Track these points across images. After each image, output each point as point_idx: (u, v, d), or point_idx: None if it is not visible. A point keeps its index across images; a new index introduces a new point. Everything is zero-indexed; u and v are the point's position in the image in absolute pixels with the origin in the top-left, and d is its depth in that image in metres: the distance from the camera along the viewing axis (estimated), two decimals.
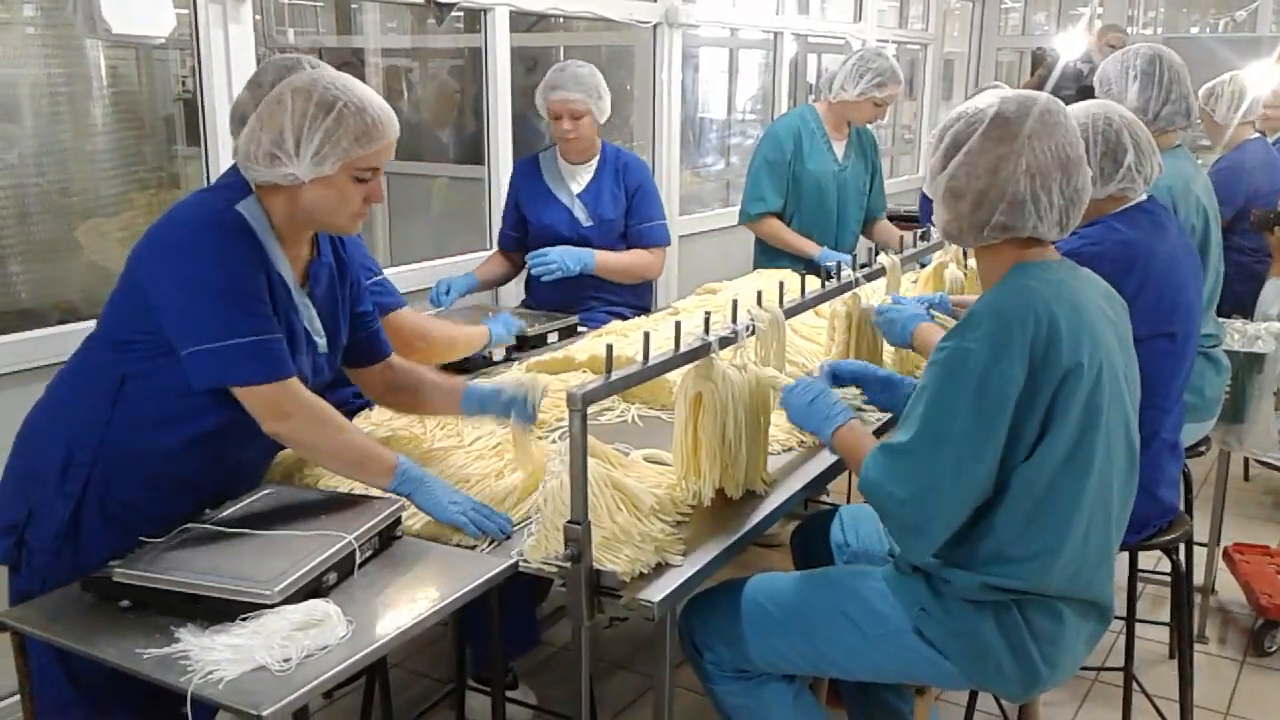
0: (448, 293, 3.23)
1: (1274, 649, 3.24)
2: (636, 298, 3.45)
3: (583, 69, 3.28)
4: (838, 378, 2.16)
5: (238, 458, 1.93)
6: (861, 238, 4.09)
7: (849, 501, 3.68)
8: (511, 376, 2.20)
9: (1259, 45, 6.34)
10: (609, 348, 1.79)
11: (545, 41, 5.83)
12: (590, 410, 2.52)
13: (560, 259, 3.23)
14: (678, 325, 1.93)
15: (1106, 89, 2.92)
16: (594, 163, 3.42)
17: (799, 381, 2.03)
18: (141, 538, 1.74)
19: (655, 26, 4.67)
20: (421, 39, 6.24)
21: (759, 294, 2.21)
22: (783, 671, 1.94)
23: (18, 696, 2.54)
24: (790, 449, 2.28)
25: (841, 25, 6.36)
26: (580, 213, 3.38)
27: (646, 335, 1.87)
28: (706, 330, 2.00)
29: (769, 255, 3.84)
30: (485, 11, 3.86)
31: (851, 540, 2.25)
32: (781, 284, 2.30)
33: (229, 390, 1.79)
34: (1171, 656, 3.22)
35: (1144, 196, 2.29)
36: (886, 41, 6.49)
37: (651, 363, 1.87)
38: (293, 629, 1.51)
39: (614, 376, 1.78)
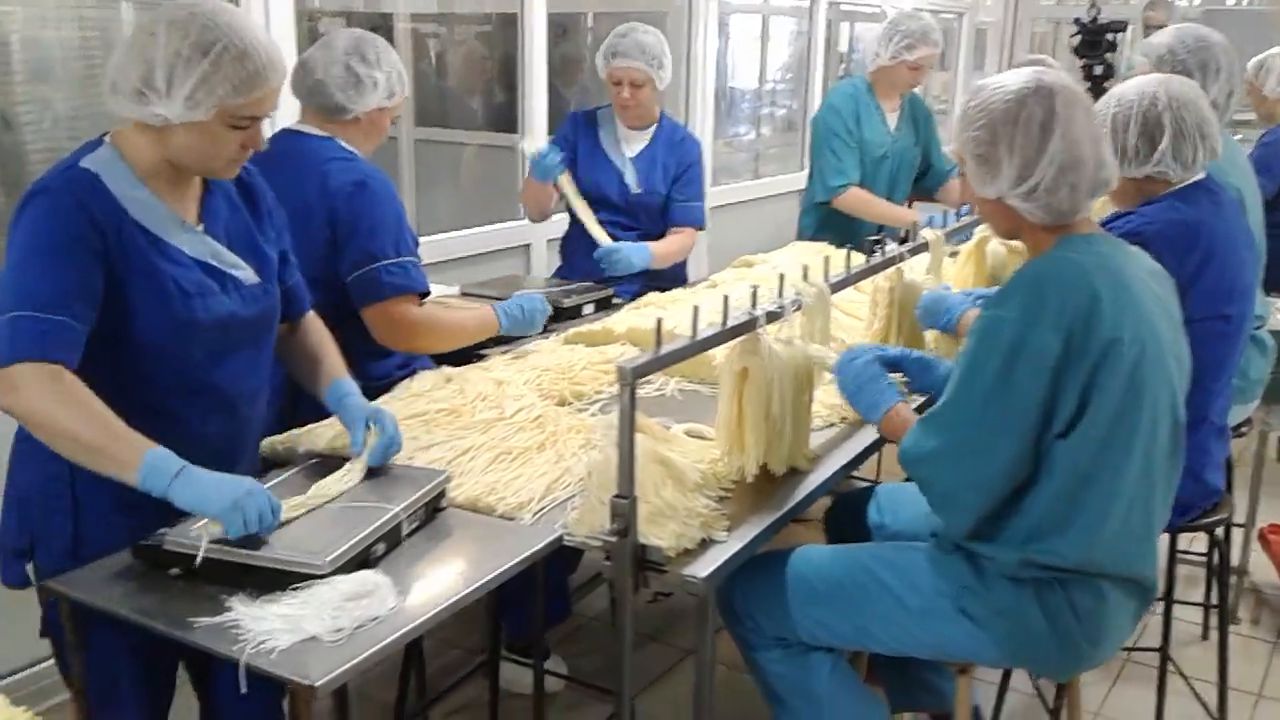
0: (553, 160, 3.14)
1: None
2: (672, 269, 3.43)
3: (647, 35, 3.20)
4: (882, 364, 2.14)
5: (201, 435, 1.77)
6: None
7: (878, 479, 3.69)
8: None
9: None
10: (659, 321, 1.77)
11: (574, 7, 5.77)
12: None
13: (628, 259, 3.16)
14: (725, 300, 1.91)
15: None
16: (650, 130, 3.38)
17: (855, 355, 2.02)
18: None
19: None
20: (449, 3, 6.20)
21: (804, 269, 2.18)
22: (824, 644, 1.94)
23: (36, 667, 2.63)
24: (831, 424, 2.27)
25: None
26: (631, 178, 3.34)
27: (695, 310, 1.85)
28: (753, 305, 1.98)
29: (817, 228, 3.81)
30: None
31: (889, 521, 2.24)
32: (827, 259, 2.27)
33: (140, 367, 1.70)
34: (1204, 637, 3.21)
35: (1201, 175, 2.25)
36: (922, 9, 6.40)
37: (700, 337, 1.85)
38: (343, 599, 1.51)
39: (663, 351, 1.77)
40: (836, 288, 2.26)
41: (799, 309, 2.10)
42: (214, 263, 1.80)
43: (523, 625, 2.73)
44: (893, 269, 2.51)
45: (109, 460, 1.59)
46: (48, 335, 1.61)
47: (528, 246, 4.16)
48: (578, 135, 3.41)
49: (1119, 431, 1.70)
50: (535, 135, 3.88)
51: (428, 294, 2.43)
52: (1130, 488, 1.73)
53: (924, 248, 2.65)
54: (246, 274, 1.84)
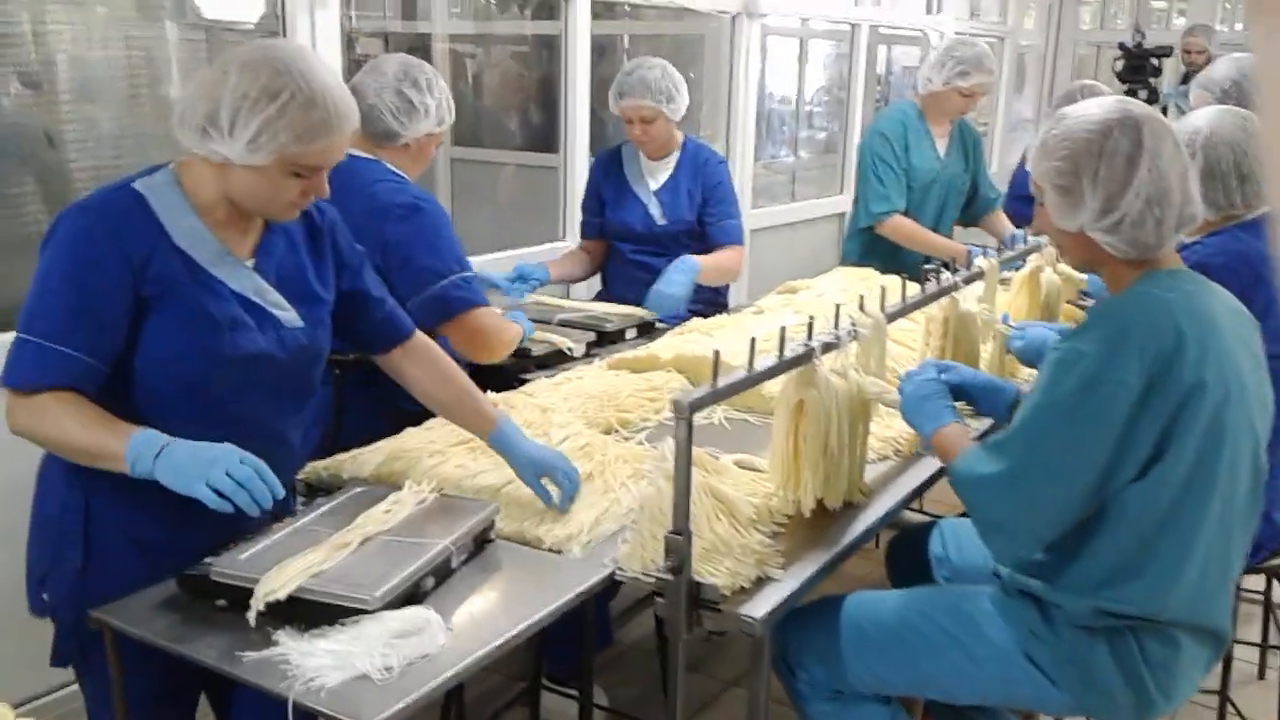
0: (523, 280, 3.09)
1: None
2: (714, 294, 3.39)
3: (651, 71, 3.15)
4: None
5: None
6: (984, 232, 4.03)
7: (921, 508, 3.61)
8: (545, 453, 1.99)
9: None
10: (716, 354, 1.73)
11: (611, 30, 5.76)
12: None
13: (680, 294, 3.08)
14: (782, 331, 1.86)
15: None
16: (673, 158, 3.34)
17: (919, 372, 1.98)
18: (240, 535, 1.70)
19: (735, 17, 4.58)
20: (487, 25, 6.22)
21: (860, 298, 2.13)
22: (881, 693, 1.88)
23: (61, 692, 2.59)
24: (885, 458, 2.21)
25: (918, 16, 6.24)
26: (656, 210, 3.31)
27: (753, 342, 1.81)
28: (809, 336, 1.93)
29: (861, 254, 3.76)
30: None
31: (953, 555, 2.17)
32: (883, 289, 2.22)
33: (154, 394, 1.67)
34: (1261, 676, 3.12)
35: (1264, 209, 2.18)
36: (965, 34, 6.35)
37: (757, 370, 1.81)
38: (393, 636, 1.48)
39: (720, 384, 1.72)
40: (892, 317, 2.21)
41: (855, 339, 2.06)
42: (256, 299, 1.76)
43: (567, 657, 2.68)
44: (946, 298, 2.46)
45: (106, 457, 1.60)
46: (48, 366, 1.61)
47: None
48: (602, 177, 3.40)
49: (1198, 477, 1.64)
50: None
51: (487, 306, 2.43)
52: (1208, 535, 1.66)
53: (979, 276, 2.60)
54: (290, 316, 1.81)
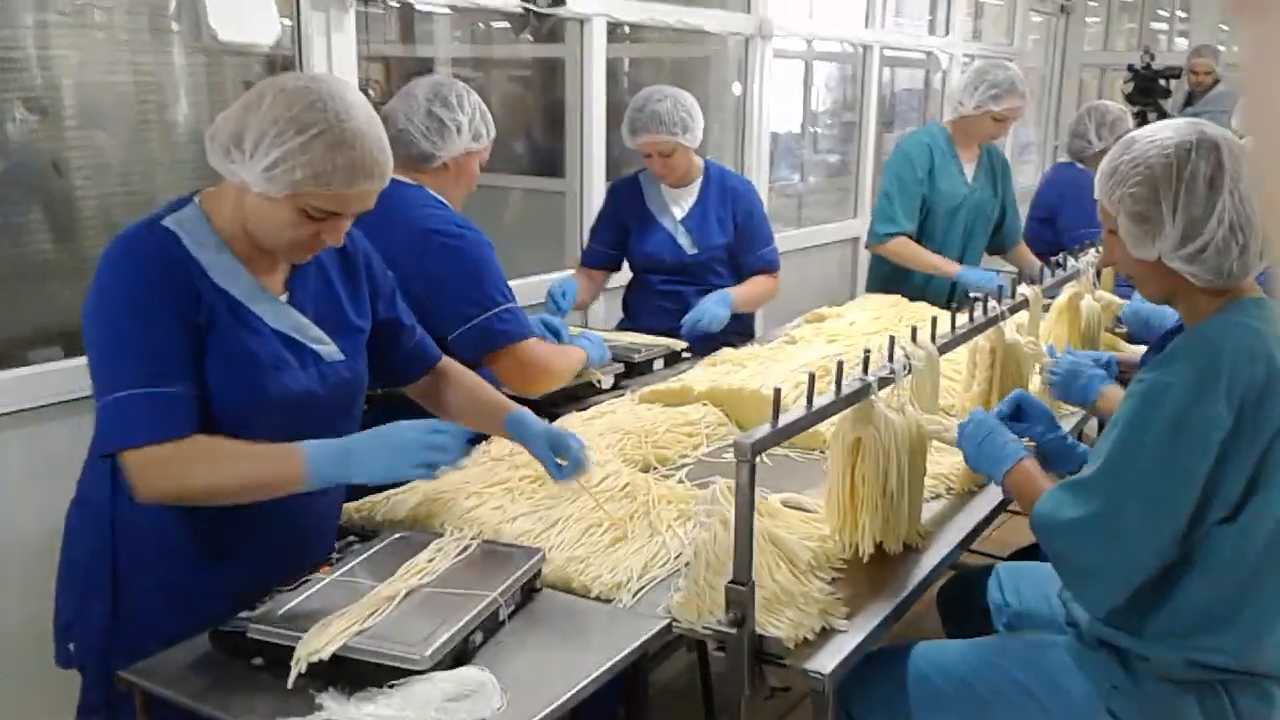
0: (564, 296, 2.94)
1: None
2: (741, 323, 3.30)
3: (662, 104, 3.02)
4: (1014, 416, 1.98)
5: (261, 513, 1.62)
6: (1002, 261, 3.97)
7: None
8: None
9: None
10: (776, 392, 1.64)
11: (613, 53, 5.69)
12: (714, 447, 2.41)
13: (714, 314, 3.01)
14: (839, 365, 1.78)
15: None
16: (696, 185, 3.24)
17: (971, 419, 1.88)
18: (275, 587, 1.60)
19: (748, 39, 4.52)
20: (487, 50, 6.15)
21: (914, 330, 2.05)
22: None
23: None
24: (938, 495, 2.12)
25: (923, 38, 6.19)
26: (684, 239, 3.20)
27: (811, 377, 1.72)
28: (865, 370, 1.85)
29: (884, 280, 3.68)
30: (583, 22, 3.73)
31: (1012, 600, 2.08)
32: (934, 319, 2.14)
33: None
34: None
35: None
36: (973, 57, 6.31)
37: (815, 408, 1.72)
38: (445, 699, 1.38)
39: (781, 423, 1.64)
40: (944, 349, 2.13)
41: (909, 372, 1.97)
42: (295, 336, 1.69)
43: (602, 708, 2.57)
44: (993, 329, 2.37)
45: (278, 486, 1.56)
46: (162, 411, 1.53)
47: None
48: (622, 206, 3.27)
49: None
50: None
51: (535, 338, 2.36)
52: None
53: (1023, 305, 2.52)
54: (329, 350, 1.73)
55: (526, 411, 1.93)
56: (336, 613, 1.50)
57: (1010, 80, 3.51)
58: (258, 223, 1.61)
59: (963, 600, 2.14)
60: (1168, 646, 1.61)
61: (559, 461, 1.84)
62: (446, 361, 2.00)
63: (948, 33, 6.22)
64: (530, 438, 1.87)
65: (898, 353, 1.95)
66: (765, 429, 1.61)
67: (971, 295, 2.33)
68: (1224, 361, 1.53)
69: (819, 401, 1.73)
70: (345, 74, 2.97)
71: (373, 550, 1.73)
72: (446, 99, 2.30)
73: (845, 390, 1.78)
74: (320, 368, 1.71)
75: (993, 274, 3.51)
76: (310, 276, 1.75)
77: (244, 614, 1.52)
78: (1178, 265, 1.62)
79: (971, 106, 3.54)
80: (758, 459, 2.26)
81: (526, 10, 3.47)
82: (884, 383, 1.87)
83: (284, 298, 1.70)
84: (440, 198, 2.31)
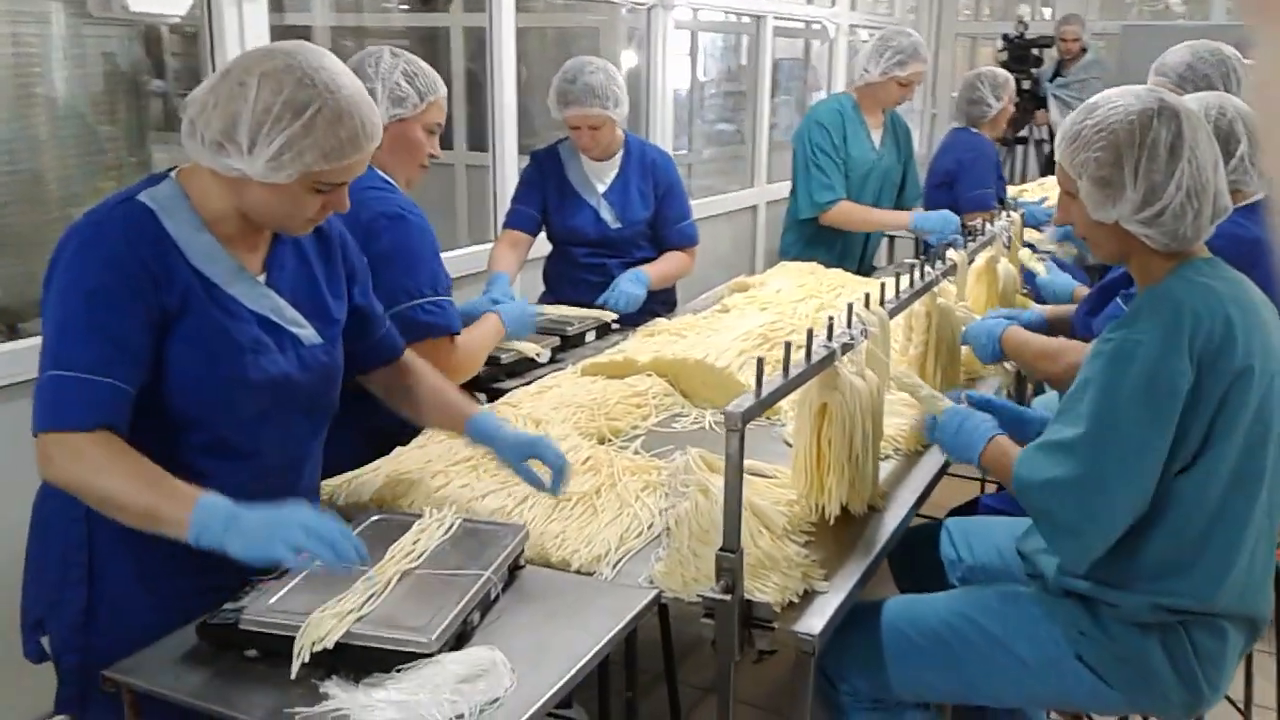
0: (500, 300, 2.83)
1: None
2: (664, 293, 3.32)
3: (595, 76, 3.01)
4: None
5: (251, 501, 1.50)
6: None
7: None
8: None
9: (1221, 34, 6.43)
10: (759, 361, 1.67)
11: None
12: (663, 417, 2.43)
13: (630, 295, 3.01)
14: (809, 333, 1.81)
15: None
16: (618, 158, 3.23)
17: (944, 413, 1.94)
18: (251, 578, 1.56)
19: (650, 9, 4.52)
20: (362, 18, 5.99)
21: (865, 296, 2.10)
22: (924, 700, 1.85)
23: None
24: (887, 456, 2.19)
25: (812, 8, 6.28)
26: (607, 214, 3.19)
27: (787, 346, 1.75)
28: (829, 337, 1.89)
29: (803, 246, 3.75)
30: None
31: (965, 555, 2.16)
32: (883, 285, 2.20)
33: (171, 427, 1.55)
34: None
35: (1261, 194, 2.23)
36: (859, 26, 6.44)
37: (792, 376, 1.75)
38: (458, 681, 1.37)
39: (764, 394, 1.66)
40: (893, 313, 2.19)
41: (866, 338, 2.02)
42: (274, 318, 1.64)
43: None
44: (927, 294, 2.45)
45: (164, 524, 1.44)
46: (92, 400, 1.45)
47: None
48: (544, 177, 3.23)
49: (1247, 466, 1.65)
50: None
51: (458, 334, 2.28)
52: (1258, 522, 1.68)
53: (951, 270, 2.60)
54: (308, 333, 1.69)
55: (490, 415, 1.90)
56: (332, 600, 1.47)
57: (914, 46, 3.62)
58: (264, 210, 1.57)
59: (915, 558, 2.21)
60: (1135, 593, 1.69)
61: (536, 473, 1.80)
62: (410, 357, 1.95)
63: (832, 3, 6.32)
64: (500, 447, 1.83)
65: (854, 319, 2.00)
66: (750, 399, 1.64)
67: (930, 245, 2.39)
68: (1185, 318, 1.61)
69: (792, 371, 1.77)
70: (256, 45, 2.87)
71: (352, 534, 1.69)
72: (364, 70, 2.22)
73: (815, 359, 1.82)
74: (299, 351, 1.67)
75: (942, 214, 3.62)
76: (288, 258, 1.70)
77: (230, 605, 1.48)
78: (1134, 228, 1.70)
79: (878, 73, 3.63)
80: (712, 426, 2.35)
81: None
82: (845, 348, 1.92)
83: (262, 279, 1.65)
84: (387, 178, 2.25)
